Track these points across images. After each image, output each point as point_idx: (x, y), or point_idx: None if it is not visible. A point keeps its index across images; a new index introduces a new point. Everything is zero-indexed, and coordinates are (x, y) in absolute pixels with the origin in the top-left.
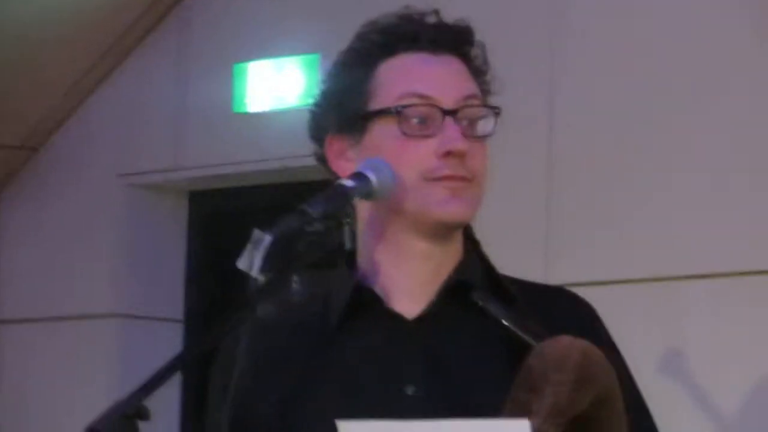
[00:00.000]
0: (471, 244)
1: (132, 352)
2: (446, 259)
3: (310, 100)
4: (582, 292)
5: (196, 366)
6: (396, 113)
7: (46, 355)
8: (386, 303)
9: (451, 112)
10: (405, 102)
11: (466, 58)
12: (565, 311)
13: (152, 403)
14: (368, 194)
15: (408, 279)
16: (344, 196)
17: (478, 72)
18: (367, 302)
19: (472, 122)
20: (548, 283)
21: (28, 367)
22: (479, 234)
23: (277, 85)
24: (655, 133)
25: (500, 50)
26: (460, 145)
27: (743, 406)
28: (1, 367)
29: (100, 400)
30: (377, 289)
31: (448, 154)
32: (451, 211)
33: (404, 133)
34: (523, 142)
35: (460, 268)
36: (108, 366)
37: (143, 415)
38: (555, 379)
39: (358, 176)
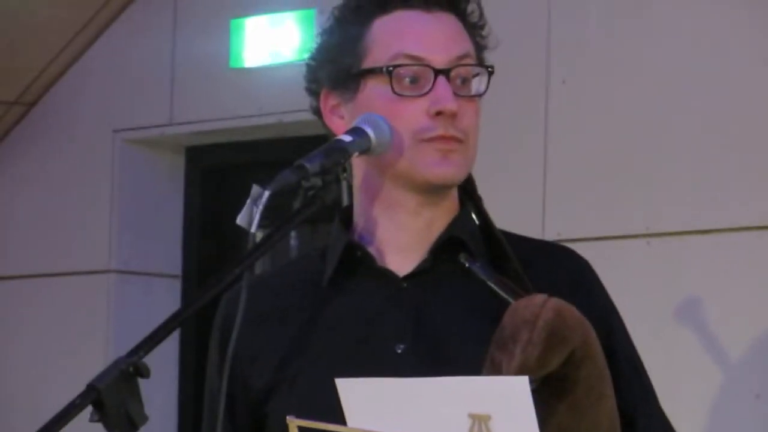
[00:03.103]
0: (470, 200)
1: (129, 308)
2: (439, 215)
3: (307, 55)
4: (579, 248)
5: (194, 322)
6: (387, 73)
7: (42, 312)
8: (379, 260)
9: (443, 72)
10: (397, 62)
11: (461, 15)
12: (559, 268)
13: (151, 359)
14: (366, 149)
15: (400, 236)
16: (342, 151)
17: (474, 28)
18: (359, 260)
19: (465, 81)
20: (545, 239)
21: (23, 324)
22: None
23: (274, 41)
24: (654, 86)
25: (497, 4)
26: (451, 104)
27: (747, 361)
28: None
29: (97, 357)
30: (370, 247)
31: (438, 113)
32: (441, 173)
33: (396, 93)
34: (520, 97)
35: (453, 225)
36: (105, 322)
37: (143, 372)
38: (524, 339)
39: (357, 131)
